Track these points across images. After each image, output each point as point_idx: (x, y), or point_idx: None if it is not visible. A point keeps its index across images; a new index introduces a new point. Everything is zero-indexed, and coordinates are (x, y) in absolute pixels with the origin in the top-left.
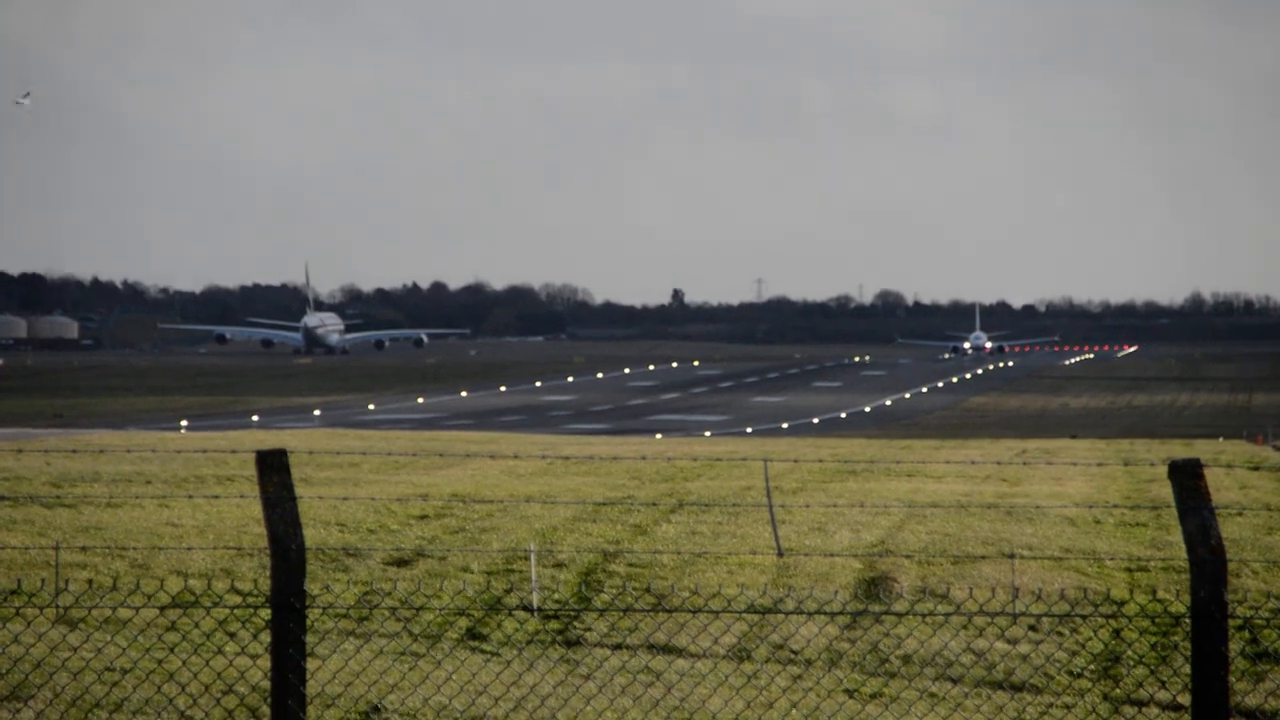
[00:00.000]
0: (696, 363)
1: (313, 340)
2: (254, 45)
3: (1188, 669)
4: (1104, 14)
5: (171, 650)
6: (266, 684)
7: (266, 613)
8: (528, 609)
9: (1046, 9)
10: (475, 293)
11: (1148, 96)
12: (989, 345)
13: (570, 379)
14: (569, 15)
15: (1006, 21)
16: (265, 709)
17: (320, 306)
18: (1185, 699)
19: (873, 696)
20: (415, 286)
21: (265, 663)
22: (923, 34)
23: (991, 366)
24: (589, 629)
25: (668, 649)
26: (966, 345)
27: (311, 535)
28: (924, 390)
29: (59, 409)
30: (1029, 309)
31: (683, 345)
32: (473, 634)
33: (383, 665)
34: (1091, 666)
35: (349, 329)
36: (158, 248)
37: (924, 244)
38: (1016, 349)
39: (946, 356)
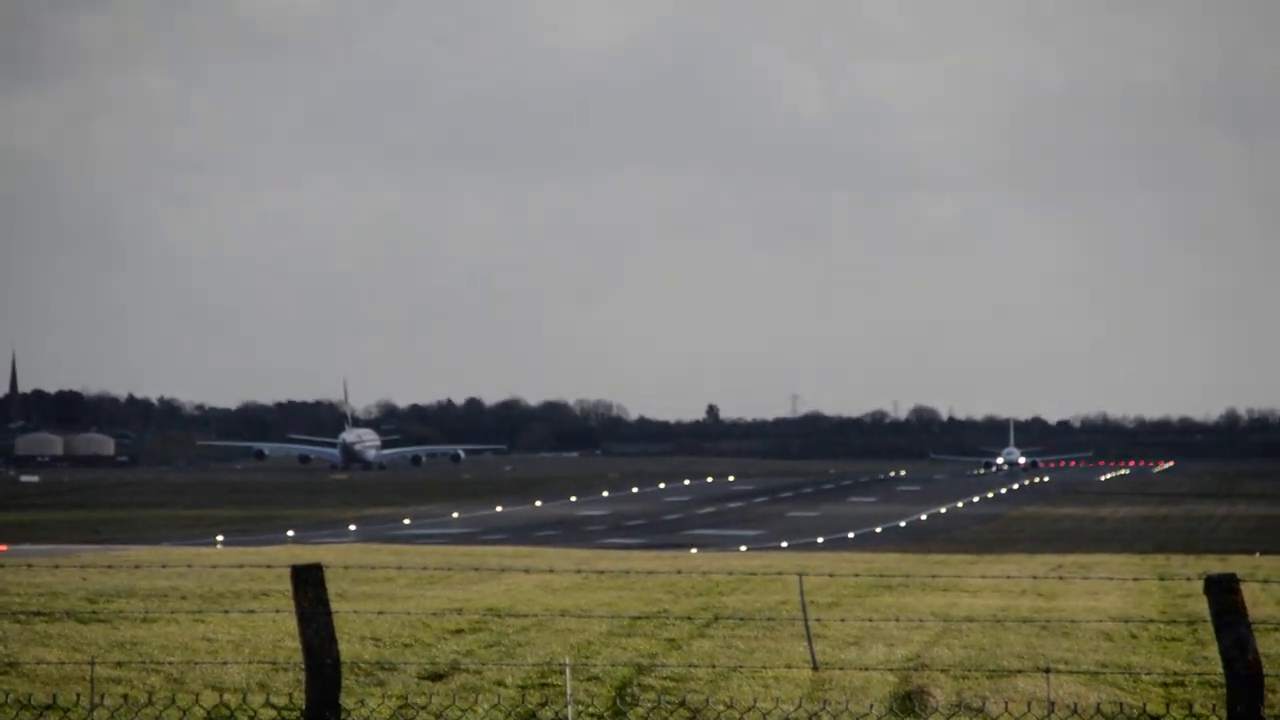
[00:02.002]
0: (731, 478)
1: (351, 456)
2: (274, 162)
3: None
4: (1137, 128)
5: None
6: None
7: None
8: None
9: (1076, 123)
10: (510, 409)
11: (1182, 211)
12: (1022, 460)
13: (605, 494)
14: (590, 130)
15: (1036, 135)
16: None
17: (356, 423)
18: None
19: None
20: (450, 403)
21: None
22: (951, 147)
23: (1027, 482)
24: None
25: None
26: (1000, 461)
27: (346, 649)
28: (959, 505)
29: (95, 525)
30: (1064, 425)
31: (718, 461)
32: None
33: None
34: None
35: (385, 445)
36: (193, 365)
37: (959, 360)
38: (1050, 464)
39: (980, 472)
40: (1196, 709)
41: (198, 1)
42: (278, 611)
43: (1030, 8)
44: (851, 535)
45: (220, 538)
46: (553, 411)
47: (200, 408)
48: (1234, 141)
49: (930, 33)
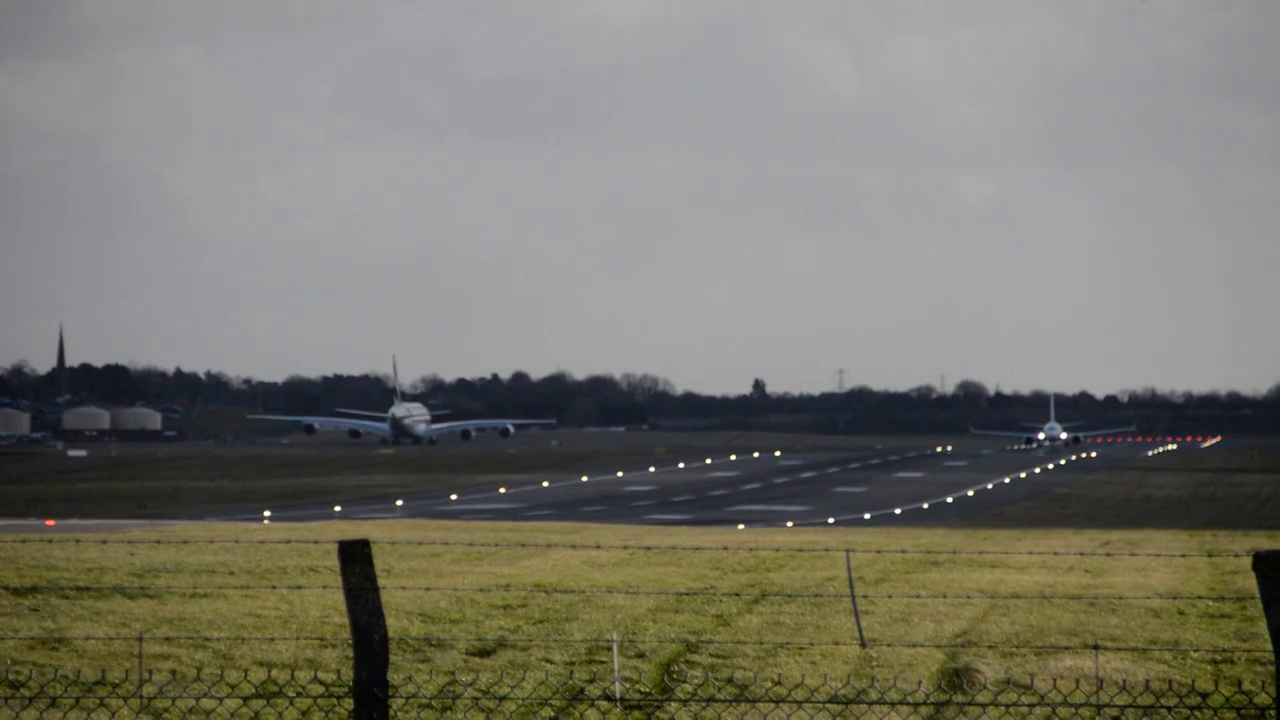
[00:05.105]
0: (778, 453)
1: (400, 431)
2: (308, 136)
3: None
4: (1172, 101)
5: None
6: None
7: (349, 703)
8: (610, 699)
9: (1110, 96)
10: (556, 383)
11: (1231, 186)
12: (1064, 435)
13: (652, 469)
14: (626, 106)
15: (1072, 108)
16: None
17: (405, 397)
18: None
19: None
20: (496, 377)
21: None
22: (986, 122)
23: (1074, 457)
24: (671, 719)
25: None
26: (1041, 436)
27: (394, 625)
28: (1006, 481)
29: (142, 500)
30: (1111, 399)
31: (764, 435)
32: None
33: None
34: None
35: (435, 419)
36: (240, 339)
37: (1006, 334)
38: (1093, 439)
39: (1021, 448)
40: (1245, 686)
41: None
42: (325, 588)
43: None
44: (899, 511)
45: (268, 513)
46: (599, 386)
47: (247, 382)
48: (1270, 112)
49: (959, 7)
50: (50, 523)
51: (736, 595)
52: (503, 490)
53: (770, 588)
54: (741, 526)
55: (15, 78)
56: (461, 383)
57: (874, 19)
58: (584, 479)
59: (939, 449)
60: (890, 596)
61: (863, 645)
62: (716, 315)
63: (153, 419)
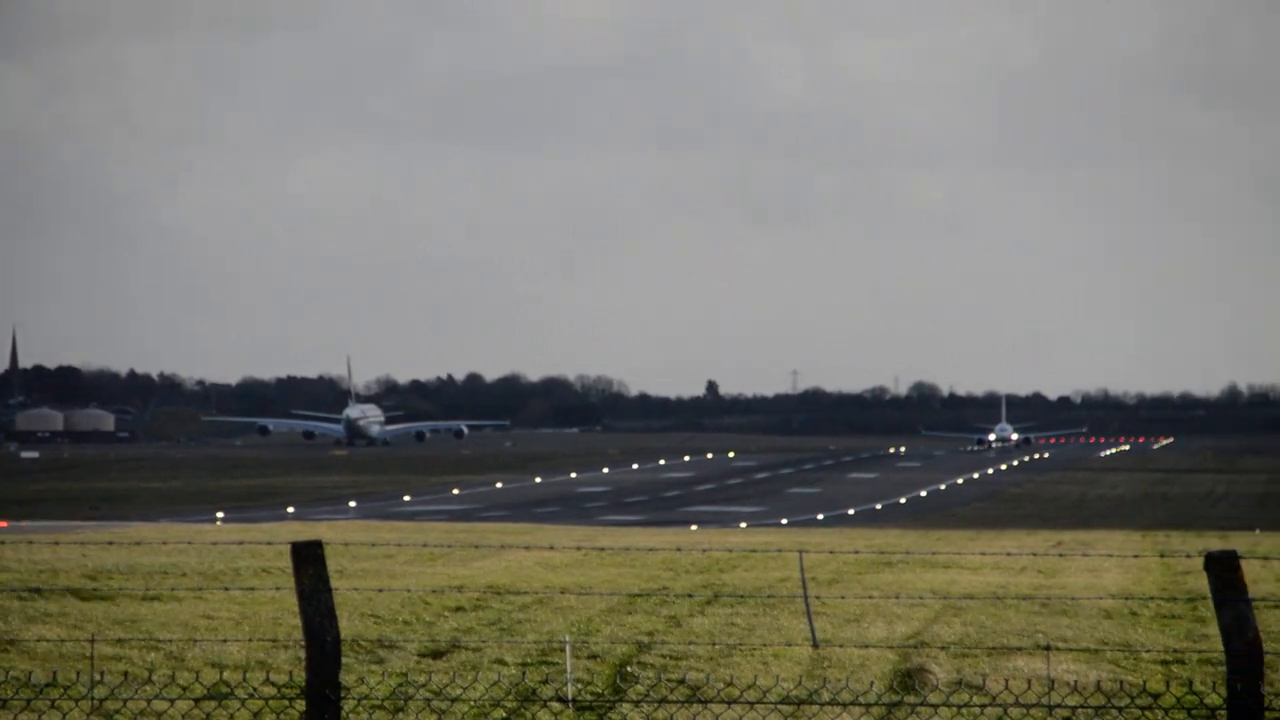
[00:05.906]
0: (732, 454)
1: (354, 432)
2: (267, 137)
3: None
4: (1120, 100)
5: None
6: None
7: (302, 704)
8: (562, 700)
9: (1061, 96)
10: (510, 384)
11: (1182, 187)
12: (1015, 436)
13: (605, 470)
14: (581, 107)
15: (1023, 109)
16: None
17: (359, 399)
18: None
19: None
20: (450, 378)
21: None
22: (939, 122)
23: (1027, 458)
24: None
25: None
26: (991, 437)
27: (346, 627)
28: (959, 481)
29: (95, 502)
30: (1064, 400)
31: (718, 437)
32: None
33: None
34: None
35: (389, 421)
36: (194, 341)
37: (959, 336)
38: (1044, 440)
39: (973, 448)
40: (1196, 687)
41: None
42: (278, 589)
43: None
44: (852, 512)
45: (221, 514)
46: (554, 387)
47: (200, 383)
48: (1222, 112)
49: (911, 9)
50: (2, 524)
51: (690, 596)
52: (456, 491)
53: (723, 589)
54: (695, 527)
55: None
56: (416, 384)
57: (826, 20)
58: (538, 480)
59: (892, 450)
60: (843, 597)
61: (815, 646)
62: (670, 316)
63: (106, 421)
